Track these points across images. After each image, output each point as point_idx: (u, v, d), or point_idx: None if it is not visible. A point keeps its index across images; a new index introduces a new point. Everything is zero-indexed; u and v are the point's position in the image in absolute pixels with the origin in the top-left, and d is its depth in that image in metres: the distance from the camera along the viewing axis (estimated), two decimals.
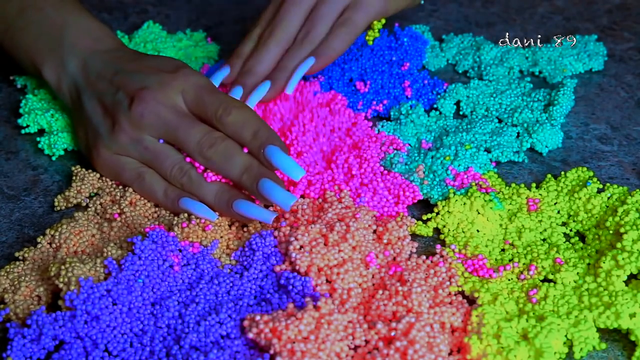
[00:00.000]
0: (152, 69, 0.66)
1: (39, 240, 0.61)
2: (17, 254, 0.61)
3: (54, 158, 0.71)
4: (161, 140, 0.64)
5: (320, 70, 0.73)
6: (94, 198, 0.66)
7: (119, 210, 0.64)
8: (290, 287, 0.57)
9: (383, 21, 0.78)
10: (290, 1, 0.73)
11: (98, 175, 0.67)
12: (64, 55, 0.70)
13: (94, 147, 0.67)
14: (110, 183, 0.67)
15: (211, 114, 0.63)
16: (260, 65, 0.72)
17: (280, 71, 0.72)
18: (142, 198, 0.65)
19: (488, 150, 0.70)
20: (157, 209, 0.65)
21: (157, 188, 0.64)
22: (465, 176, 0.66)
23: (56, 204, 0.66)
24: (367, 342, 0.54)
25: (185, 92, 0.64)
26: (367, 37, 0.78)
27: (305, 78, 0.77)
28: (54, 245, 0.61)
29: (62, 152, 0.71)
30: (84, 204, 0.66)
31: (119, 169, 0.66)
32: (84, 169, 0.68)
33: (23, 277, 0.58)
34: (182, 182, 0.63)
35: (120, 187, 0.66)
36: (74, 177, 0.67)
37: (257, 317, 0.53)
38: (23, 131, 0.74)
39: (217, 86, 0.68)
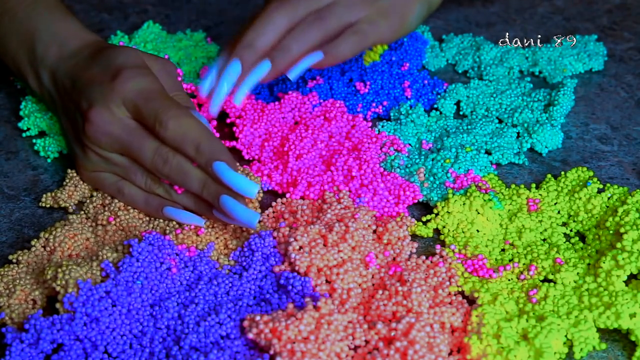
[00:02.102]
0: (98, 77, 0.63)
1: (33, 243, 0.61)
2: (10, 257, 0.61)
3: (48, 160, 0.71)
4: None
5: (320, 68, 0.71)
6: (87, 202, 0.65)
7: (112, 214, 0.64)
8: (290, 287, 0.57)
9: (385, 47, 0.79)
10: None
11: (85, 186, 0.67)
12: (38, 68, 0.69)
13: (75, 163, 0.67)
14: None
15: (151, 128, 0.61)
16: (261, 39, 0.68)
17: (282, 52, 0.68)
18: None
19: (488, 152, 0.70)
20: None
21: (138, 199, 0.64)
22: (465, 179, 0.66)
23: (43, 199, 0.66)
24: (367, 342, 0.54)
25: (125, 102, 0.61)
26: (365, 57, 0.78)
27: (302, 92, 0.76)
28: (48, 249, 0.61)
29: (56, 155, 0.71)
30: (71, 210, 0.66)
31: (99, 185, 0.66)
32: (77, 176, 0.67)
33: (18, 281, 0.58)
34: (159, 193, 0.63)
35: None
36: (67, 180, 0.67)
37: (257, 318, 0.53)
38: (24, 134, 0.74)
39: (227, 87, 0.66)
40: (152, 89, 0.62)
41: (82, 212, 0.65)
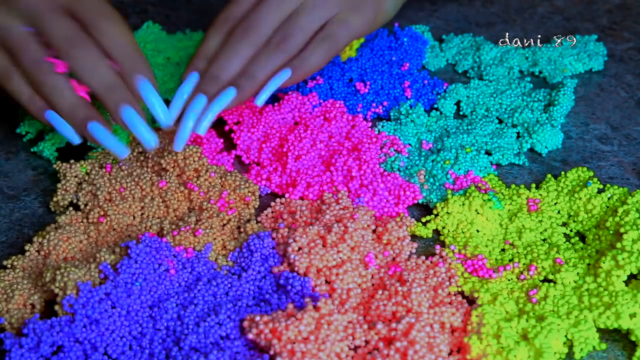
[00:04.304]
0: None
1: (26, 248, 0.61)
2: (5, 263, 0.60)
3: (53, 160, 0.71)
4: (30, 30, 0.60)
5: (293, 85, 0.67)
6: (79, 194, 0.65)
7: (102, 211, 0.63)
8: (290, 287, 0.57)
9: (362, 40, 0.77)
10: (270, 1, 0.66)
11: (79, 165, 0.66)
12: None
13: None
14: (92, 175, 0.66)
15: (82, 16, 0.60)
16: (227, 71, 0.64)
17: (248, 78, 0.64)
18: (119, 194, 0.64)
19: (488, 153, 0.70)
20: (140, 204, 0.64)
21: (23, 93, 0.61)
22: (465, 179, 0.66)
23: (52, 209, 0.66)
24: (367, 342, 0.54)
25: None
26: (342, 55, 0.76)
27: (303, 92, 0.76)
28: (42, 253, 0.60)
29: (56, 154, 0.71)
30: (75, 201, 0.65)
31: None
32: (65, 163, 0.67)
33: (15, 286, 0.57)
34: (38, 83, 0.60)
35: (99, 182, 0.65)
36: (58, 175, 0.67)
37: (257, 318, 0.53)
38: (24, 139, 0.73)
39: (184, 101, 0.62)
40: None
41: (71, 209, 0.64)
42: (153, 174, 0.66)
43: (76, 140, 0.61)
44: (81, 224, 0.63)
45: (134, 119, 0.59)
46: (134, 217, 0.64)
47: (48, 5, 0.60)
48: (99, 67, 0.59)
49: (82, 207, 0.64)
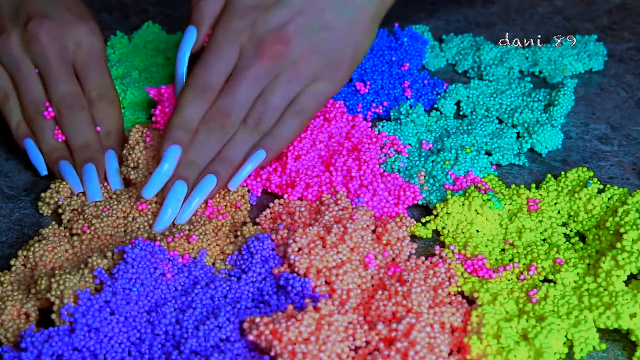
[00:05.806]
0: (62, 3, 0.68)
1: (12, 263, 0.59)
2: None
3: None
4: (37, 70, 0.68)
5: (269, 162, 0.67)
6: (63, 204, 0.65)
7: (87, 222, 0.62)
8: (290, 287, 0.57)
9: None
10: (243, 75, 0.64)
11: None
12: None
13: None
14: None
15: (85, 86, 0.68)
16: (204, 157, 0.64)
17: (225, 165, 0.64)
18: (105, 210, 0.64)
19: (488, 153, 0.70)
20: (124, 220, 0.64)
21: (14, 117, 0.68)
22: (465, 180, 0.66)
23: (41, 211, 0.66)
24: (367, 343, 0.54)
25: (78, 47, 0.67)
26: None
27: None
28: (29, 266, 0.59)
29: None
30: (63, 204, 0.65)
31: None
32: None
33: (6, 298, 0.56)
34: (31, 119, 0.66)
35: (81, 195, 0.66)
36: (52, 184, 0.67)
37: (257, 319, 0.53)
38: None
39: (169, 171, 0.63)
40: (103, 56, 0.70)
41: (54, 223, 0.63)
42: (133, 195, 0.65)
43: (44, 171, 0.67)
44: (64, 236, 0.62)
45: (91, 175, 0.65)
46: (118, 230, 0.63)
47: (59, 61, 0.67)
48: (81, 130, 0.67)
49: (64, 221, 0.64)
